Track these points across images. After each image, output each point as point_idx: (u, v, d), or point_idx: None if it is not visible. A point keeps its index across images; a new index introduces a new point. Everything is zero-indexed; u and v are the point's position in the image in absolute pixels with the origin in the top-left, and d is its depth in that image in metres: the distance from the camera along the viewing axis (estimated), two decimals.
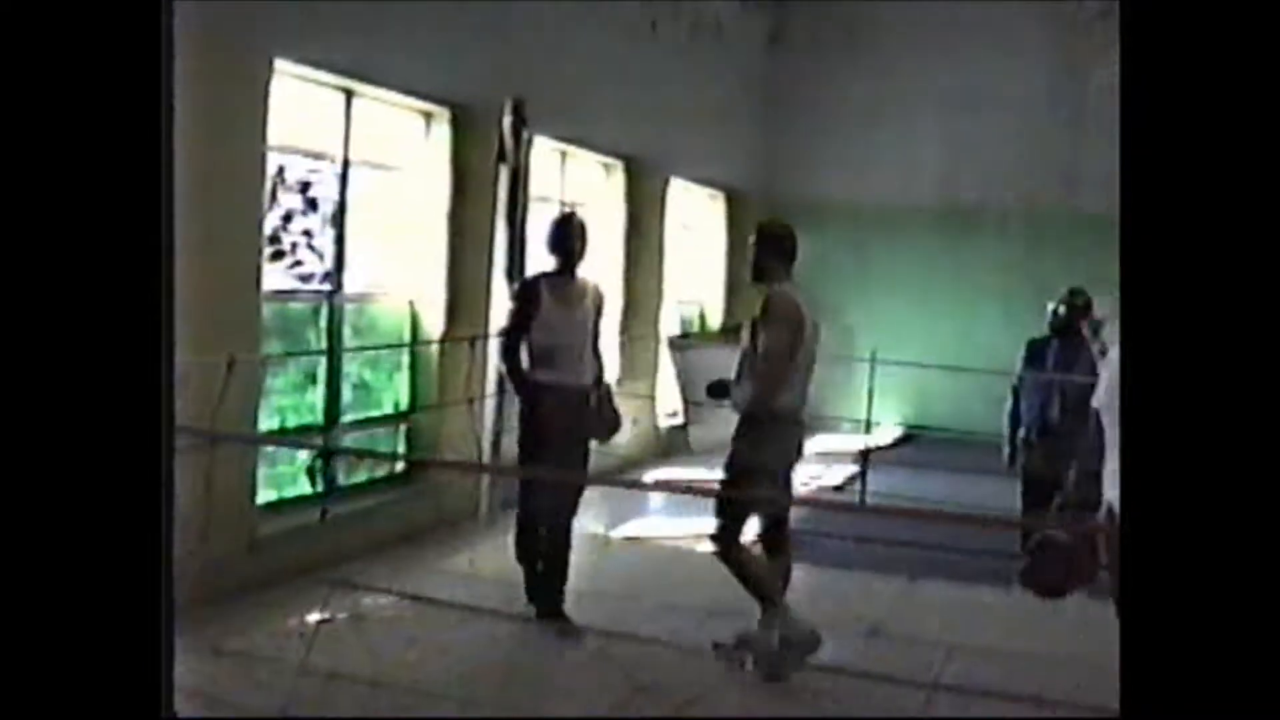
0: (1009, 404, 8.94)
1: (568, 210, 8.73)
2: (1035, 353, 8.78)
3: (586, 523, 8.38)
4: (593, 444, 7.34)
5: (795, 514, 9.71)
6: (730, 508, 6.31)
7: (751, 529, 6.49)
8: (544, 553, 7.07)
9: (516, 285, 7.72)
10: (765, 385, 6.18)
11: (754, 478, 6.25)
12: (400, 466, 9.63)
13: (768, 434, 6.22)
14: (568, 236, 7.15)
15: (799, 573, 6.85)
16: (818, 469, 12.54)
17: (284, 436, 8.53)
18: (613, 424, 7.42)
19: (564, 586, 7.05)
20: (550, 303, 7.02)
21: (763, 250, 6.52)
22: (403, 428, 9.70)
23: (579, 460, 7.17)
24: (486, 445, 9.40)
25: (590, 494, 8.11)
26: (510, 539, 7.25)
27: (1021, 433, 8.79)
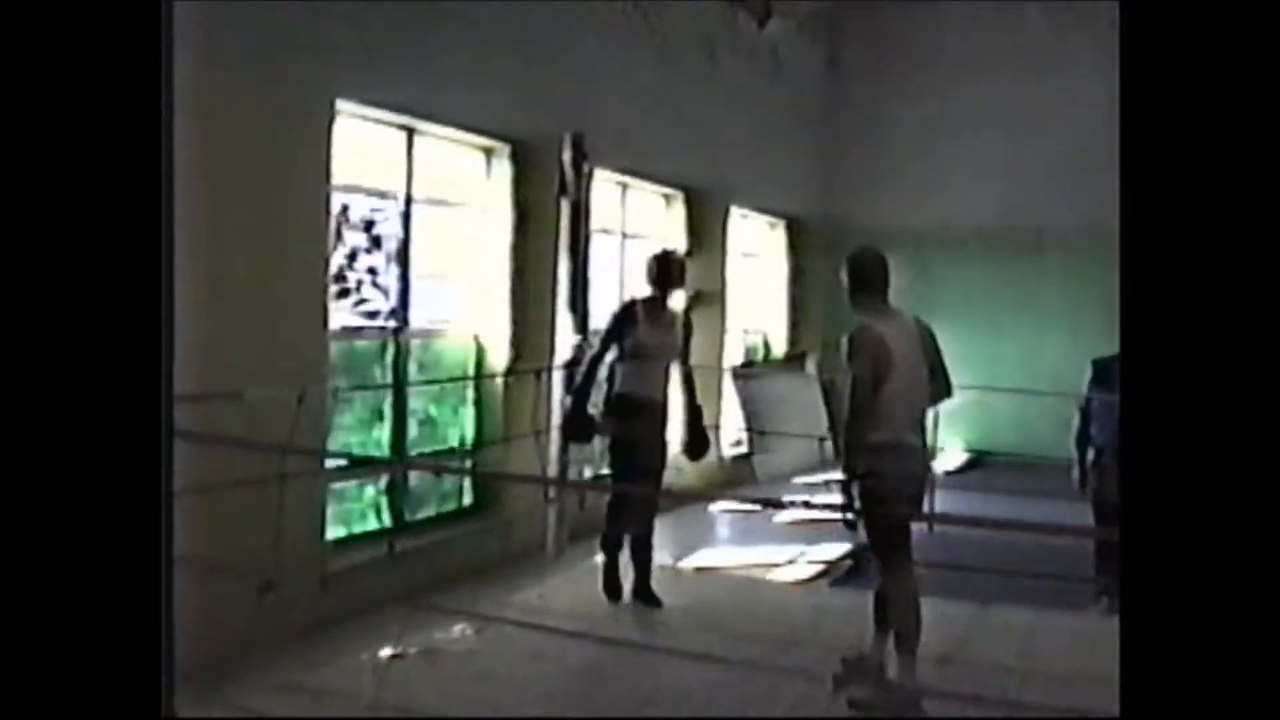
0: (1076, 425, 8.80)
1: (668, 248, 9.22)
2: (1102, 372, 8.63)
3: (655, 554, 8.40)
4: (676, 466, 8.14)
5: (863, 540, 9.67)
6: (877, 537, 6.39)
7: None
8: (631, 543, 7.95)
9: (617, 307, 8.26)
10: (850, 421, 6.16)
11: (875, 508, 6.22)
12: (469, 501, 9.66)
13: (877, 466, 6.09)
14: (666, 272, 7.96)
15: (867, 599, 6.80)
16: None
17: (352, 469, 8.58)
18: (702, 445, 8.19)
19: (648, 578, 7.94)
20: (646, 325, 7.80)
21: (849, 282, 6.51)
22: (468, 462, 9.74)
23: (656, 471, 7.94)
24: (552, 476, 9.42)
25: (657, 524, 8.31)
26: (581, 572, 7.38)
27: (1091, 455, 8.66)
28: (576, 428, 8.15)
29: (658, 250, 8.61)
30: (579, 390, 8.07)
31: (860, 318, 6.34)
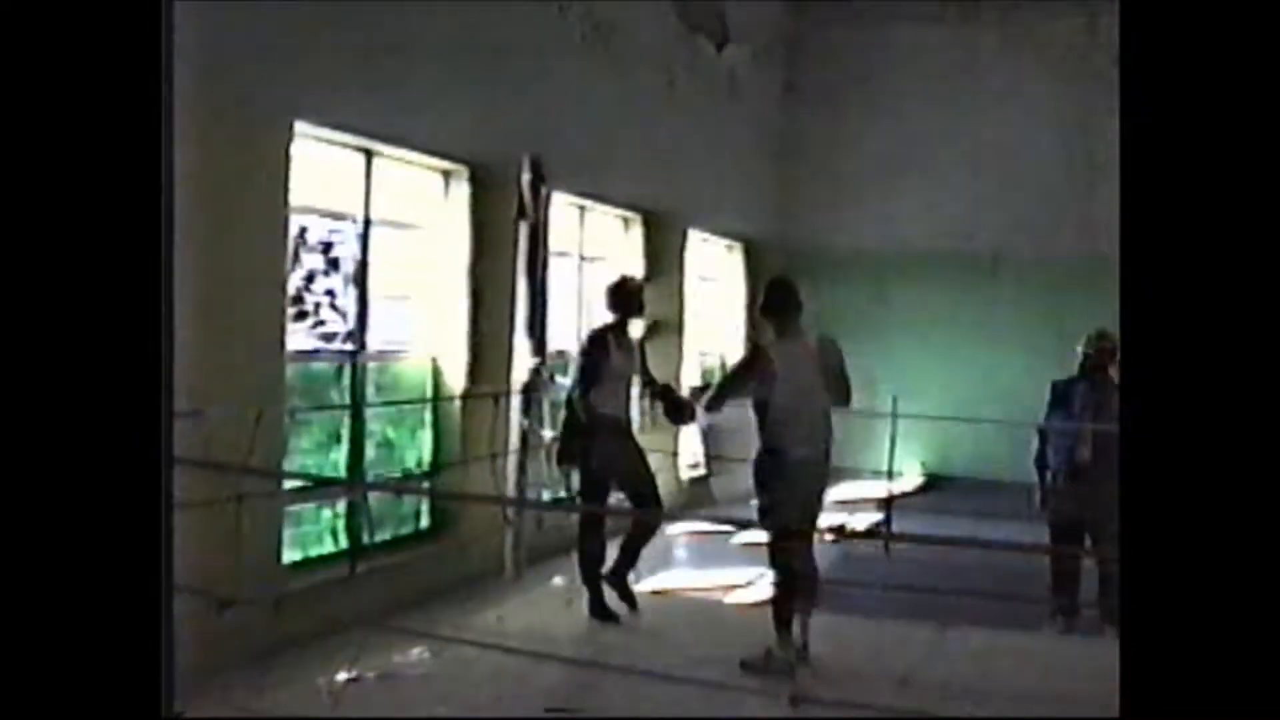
0: (1036, 447, 8.86)
1: (627, 275, 9.37)
2: (1061, 395, 8.70)
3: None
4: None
5: (821, 563, 9.71)
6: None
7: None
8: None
9: (589, 337, 8.65)
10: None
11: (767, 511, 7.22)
12: (426, 524, 9.62)
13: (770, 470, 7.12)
14: (626, 298, 8.44)
15: (827, 621, 6.82)
16: (841, 517, 12.48)
17: (310, 492, 8.53)
18: (683, 407, 8.93)
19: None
20: (615, 350, 8.27)
21: (760, 308, 7.62)
22: (426, 485, 9.70)
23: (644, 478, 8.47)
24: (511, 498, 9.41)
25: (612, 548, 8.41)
26: (539, 594, 7.40)
27: (1049, 477, 8.72)
28: (572, 450, 8.34)
29: (617, 277, 8.90)
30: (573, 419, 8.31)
31: (765, 339, 7.46)
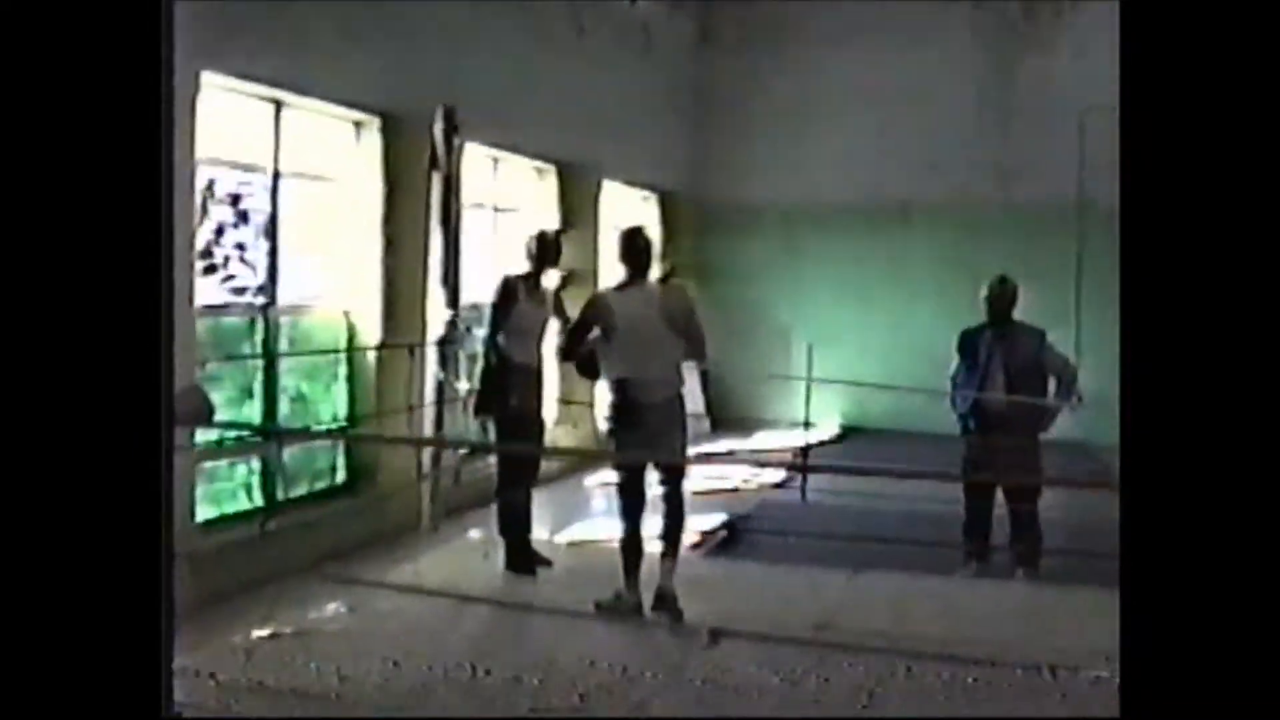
0: (949, 395, 8.95)
1: (545, 229, 9.35)
2: (966, 342, 8.79)
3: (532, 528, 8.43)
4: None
5: (738, 511, 9.79)
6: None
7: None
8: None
9: (498, 285, 8.48)
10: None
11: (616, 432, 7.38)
12: (341, 479, 9.57)
13: (615, 399, 7.29)
14: (544, 251, 8.46)
15: (745, 568, 6.87)
16: (757, 468, 12.57)
17: (223, 448, 8.44)
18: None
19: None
20: (524, 299, 8.28)
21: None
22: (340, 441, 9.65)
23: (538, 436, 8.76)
24: (426, 452, 9.37)
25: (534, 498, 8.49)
26: (456, 547, 7.38)
27: (959, 423, 8.82)
28: (490, 400, 8.29)
29: (536, 231, 8.90)
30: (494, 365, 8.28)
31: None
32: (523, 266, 8.45)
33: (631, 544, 7.27)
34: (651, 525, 7.28)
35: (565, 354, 7.68)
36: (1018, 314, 8.70)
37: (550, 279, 8.57)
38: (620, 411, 7.20)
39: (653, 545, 7.26)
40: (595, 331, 7.27)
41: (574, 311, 7.76)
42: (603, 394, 7.43)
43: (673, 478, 7.37)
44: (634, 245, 7.41)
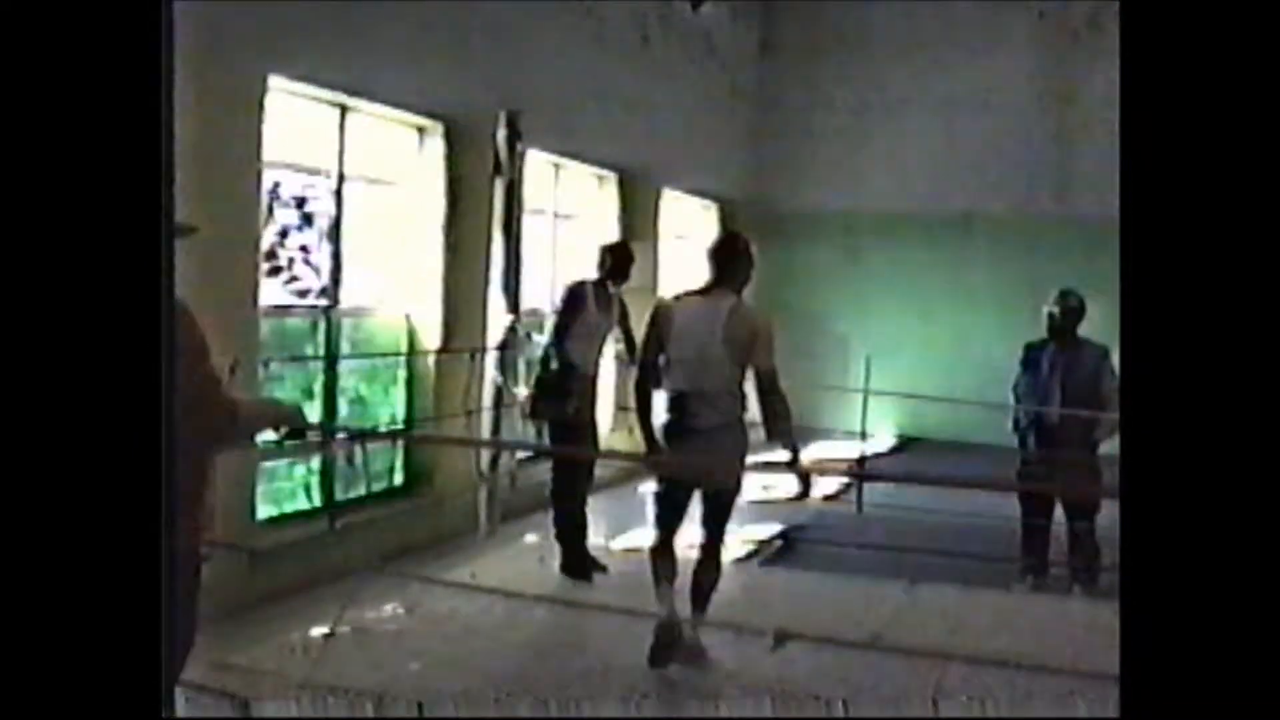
0: (1010, 409, 8.87)
1: (620, 241, 9.65)
2: (1030, 357, 8.72)
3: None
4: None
5: (794, 521, 9.78)
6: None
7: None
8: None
9: (568, 289, 8.49)
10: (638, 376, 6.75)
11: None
12: (400, 480, 9.63)
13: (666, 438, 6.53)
14: (619, 264, 8.44)
15: (800, 578, 6.85)
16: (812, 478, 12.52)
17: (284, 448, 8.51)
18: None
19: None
20: (593, 305, 8.26)
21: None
22: (401, 442, 9.70)
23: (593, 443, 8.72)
24: (484, 456, 9.42)
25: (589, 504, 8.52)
26: (513, 551, 7.40)
27: (1017, 439, 8.76)
28: (545, 404, 8.32)
29: (611, 242, 8.99)
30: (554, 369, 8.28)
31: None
32: (590, 274, 8.44)
33: (662, 551, 6.61)
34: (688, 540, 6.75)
35: (641, 368, 6.67)
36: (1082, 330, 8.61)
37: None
38: (667, 431, 6.45)
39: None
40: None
41: (637, 322, 7.71)
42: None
43: (716, 522, 6.59)
44: (725, 250, 6.64)
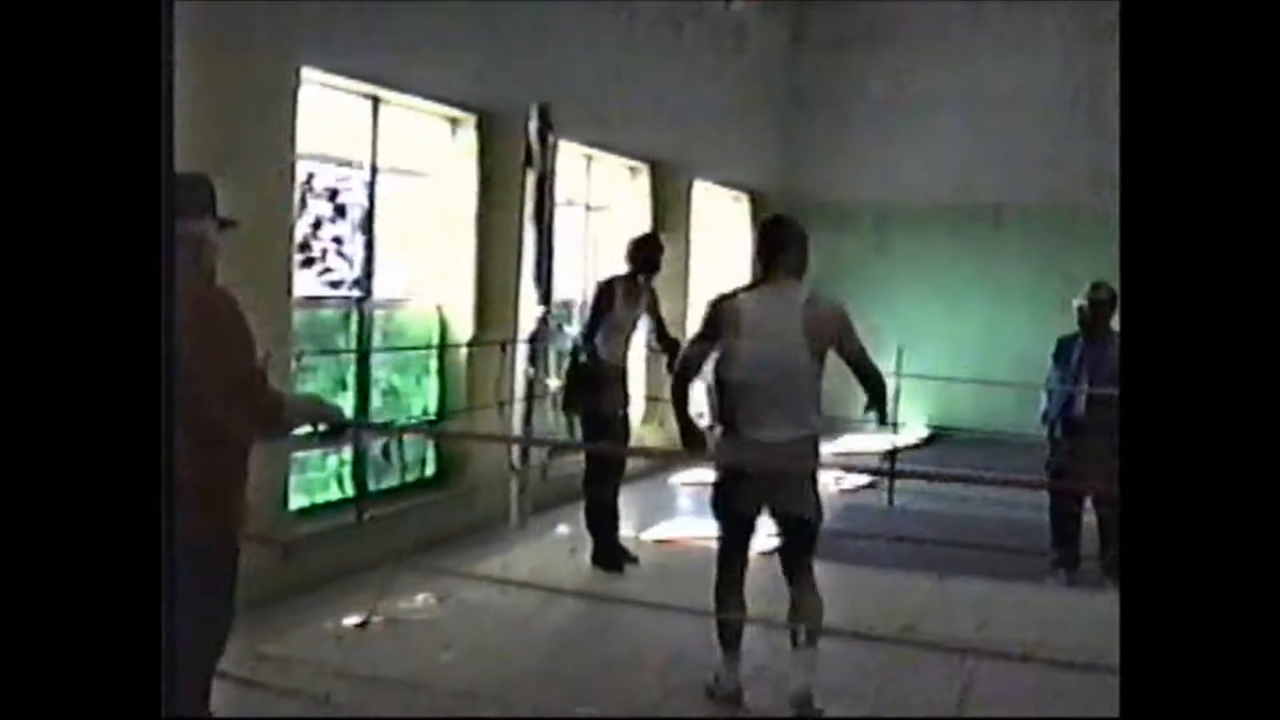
0: (1043, 403, 8.85)
1: (650, 233, 9.66)
2: (1063, 350, 8.69)
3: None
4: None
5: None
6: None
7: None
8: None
9: (599, 286, 8.58)
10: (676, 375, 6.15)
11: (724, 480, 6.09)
12: (431, 471, 9.67)
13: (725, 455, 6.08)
14: (649, 256, 8.45)
15: (830, 570, 6.80)
16: (843, 472, 12.52)
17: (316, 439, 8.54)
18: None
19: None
20: (621, 300, 8.31)
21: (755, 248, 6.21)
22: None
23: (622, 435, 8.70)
24: (516, 448, 9.44)
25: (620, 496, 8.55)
26: (544, 542, 7.42)
27: (1046, 431, 8.73)
28: (577, 396, 8.45)
29: (641, 234, 9.01)
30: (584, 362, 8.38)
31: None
32: (620, 267, 8.48)
33: (729, 597, 5.93)
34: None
35: (684, 361, 6.07)
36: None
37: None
38: (728, 447, 5.88)
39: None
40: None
41: (665, 311, 7.71)
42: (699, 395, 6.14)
43: (799, 541, 5.93)
44: (775, 235, 6.03)
